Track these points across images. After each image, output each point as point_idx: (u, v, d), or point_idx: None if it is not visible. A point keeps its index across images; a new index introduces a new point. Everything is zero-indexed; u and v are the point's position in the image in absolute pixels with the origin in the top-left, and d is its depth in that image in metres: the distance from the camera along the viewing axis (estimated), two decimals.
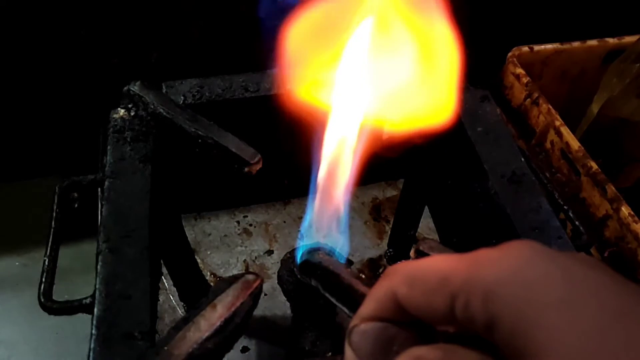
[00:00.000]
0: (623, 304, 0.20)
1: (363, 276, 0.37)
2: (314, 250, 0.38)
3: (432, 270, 0.23)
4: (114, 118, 0.53)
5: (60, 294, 0.43)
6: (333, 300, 0.35)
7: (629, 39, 0.81)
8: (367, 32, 0.39)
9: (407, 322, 0.24)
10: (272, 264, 0.76)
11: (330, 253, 0.40)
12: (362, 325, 0.25)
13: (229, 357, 0.38)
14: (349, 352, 0.25)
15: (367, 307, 0.25)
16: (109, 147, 0.51)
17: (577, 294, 0.20)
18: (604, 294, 0.20)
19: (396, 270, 0.25)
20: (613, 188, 0.65)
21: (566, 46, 0.82)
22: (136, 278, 0.42)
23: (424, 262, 0.24)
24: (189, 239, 0.71)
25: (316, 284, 0.37)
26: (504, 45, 0.82)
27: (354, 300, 0.33)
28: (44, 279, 0.43)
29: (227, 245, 0.79)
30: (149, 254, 0.43)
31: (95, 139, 0.60)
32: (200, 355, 0.35)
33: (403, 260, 0.76)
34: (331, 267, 0.36)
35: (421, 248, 0.43)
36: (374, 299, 0.25)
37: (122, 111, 0.53)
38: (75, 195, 0.49)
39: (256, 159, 0.50)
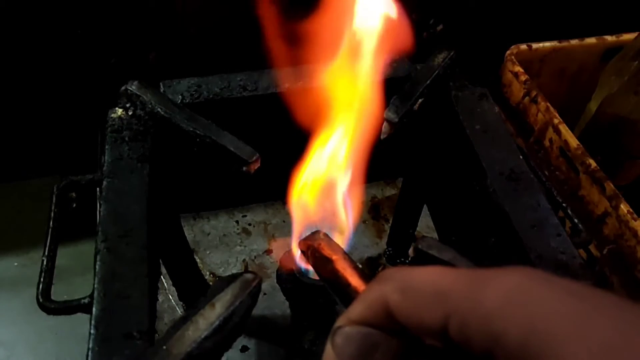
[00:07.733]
0: (632, 315, 0.20)
1: (360, 265, 0.36)
2: (315, 232, 0.38)
3: (428, 283, 0.23)
4: (111, 118, 0.53)
5: (58, 294, 0.42)
6: (325, 285, 0.35)
7: (627, 37, 0.81)
8: None
9: (395, 330, 0.24)
10: (271, 263, 0.76)
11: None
12: (347, 327, 0.25)
13: (229, 356, 0.38)
14: (330, 352, 0.25)
15: (356, 309, 0.25)
16: (107, 147, 0.51)
17: (586, 306, 0.20)
18: (610, 306, 0.20)
19: (391, 276, 0.24)
20: (612, 185, 0.65)
21: (564, 44, 0.82)
22: (135, 278, 0.42)
23: (420, 272, 0.23)
24: (188, 238, 0.71)
25: (311, 265, 0.37)
26: (502, 44, 0.82)
27: (345, 291, 0.33)
28: (42, 279, 0.43)
29: (226, 245, 0.79)
30: (147, 253, 0.43)
31: (93, 139, 0.59)
32: (199, 354, 0.35)
33: (399, 265, 0.76)
34: (328, 252, 0.35)
35: (420, 246, 0.43)
36: (364, 302, 0.25)
37: (120, 111, 0.53)
38: (74, 195, 0.49)
39: (254, 158, 0.50)
